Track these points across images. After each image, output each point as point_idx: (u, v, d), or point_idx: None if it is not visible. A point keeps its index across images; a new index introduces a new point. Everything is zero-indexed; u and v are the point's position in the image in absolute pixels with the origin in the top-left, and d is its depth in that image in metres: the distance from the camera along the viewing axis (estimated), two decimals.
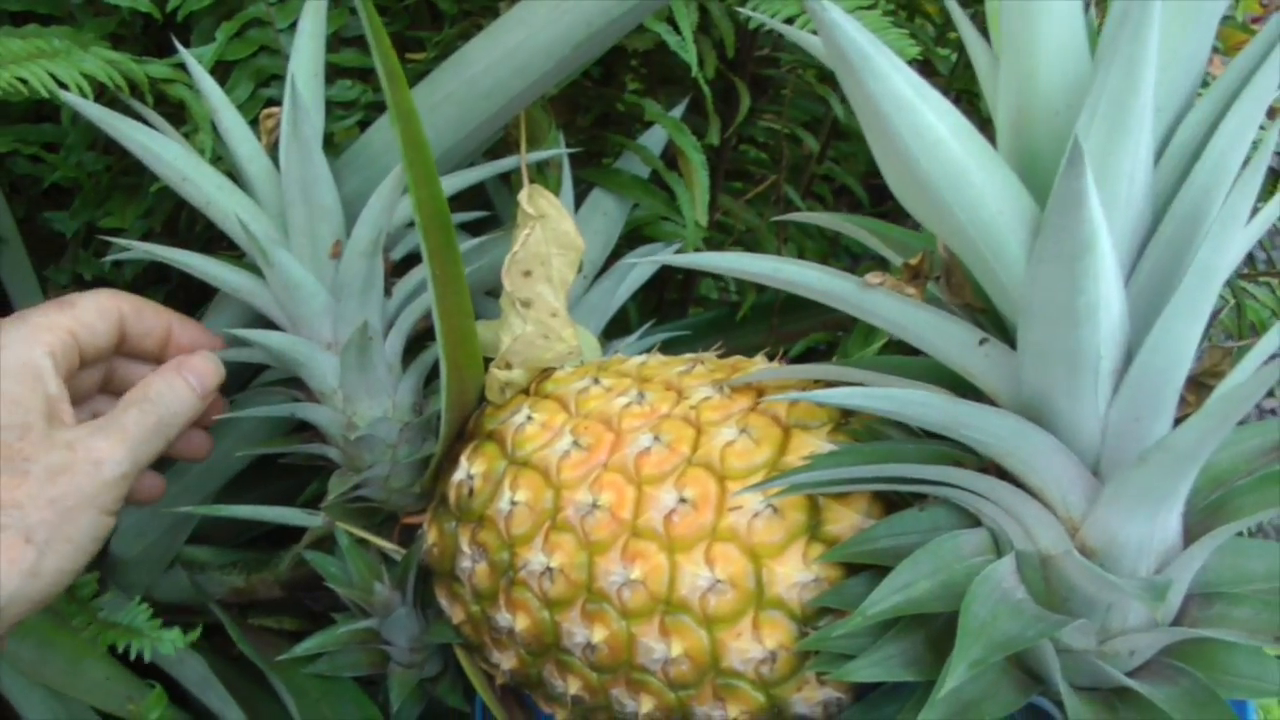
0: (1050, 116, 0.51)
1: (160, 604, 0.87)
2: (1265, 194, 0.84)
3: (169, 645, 0.70)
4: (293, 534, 0.86)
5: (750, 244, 1.05)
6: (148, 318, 0.71)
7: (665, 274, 1.09)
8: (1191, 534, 0.54)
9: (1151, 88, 0.47)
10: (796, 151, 1.03)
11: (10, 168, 0.89)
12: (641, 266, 0.85)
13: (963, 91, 0.99)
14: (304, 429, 0.78)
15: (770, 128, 1.03)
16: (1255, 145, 0.48)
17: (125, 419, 0.64)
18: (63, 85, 0.66)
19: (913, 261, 0.56)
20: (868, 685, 0.59)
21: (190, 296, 0.99)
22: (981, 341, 0.53)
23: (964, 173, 0.49)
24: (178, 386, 0.68)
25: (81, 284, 0.97)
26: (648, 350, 0.74)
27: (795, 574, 0.58)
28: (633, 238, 0.94)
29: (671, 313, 1.10)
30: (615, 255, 0.88)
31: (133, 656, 0.71)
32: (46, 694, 0.79)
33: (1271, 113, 0.52)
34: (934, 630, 0.56)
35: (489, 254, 0.76)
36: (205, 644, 0.83)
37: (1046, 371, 0.51)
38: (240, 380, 0.83)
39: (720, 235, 1.04)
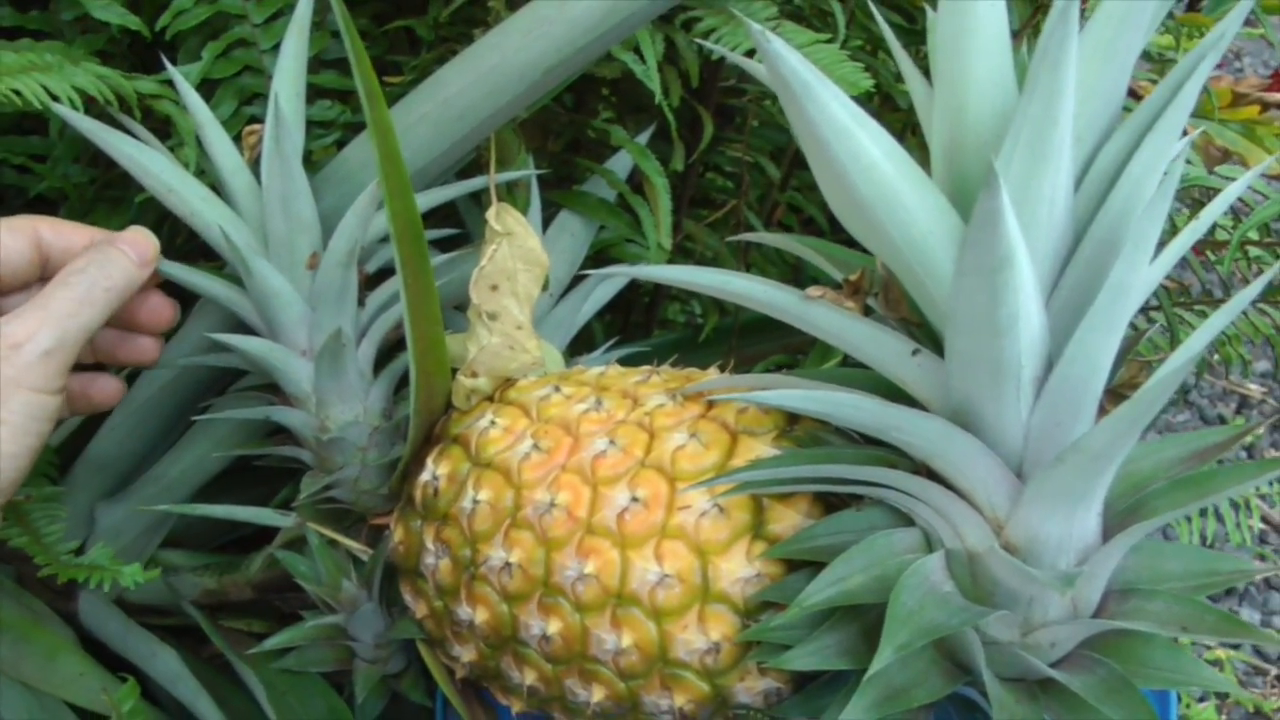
0: (979, 145, 0.55)
1: (133, 605, 0.90)
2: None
3: (129, 578, 0.73)
4: (264, 540, 0.90)
5: (712, 266, 1.09)
6: (68, 234, 0.70)
7: (631, 297, 1.13)
8: (1110, 533, 0.58)
9: (1070, 119, 0.51)
10: (760, 179, 1.07)
11: None
12: (606, 286, 0.89)
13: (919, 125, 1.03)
14: (278, 433, 0.81)
15: (735, 156, 1.07)
16: (1165, 176, 0.52)
17: (46, 297, 0.65)
18: (55, 98, 0.69)
19: (852, 278, 0.60)
20: (807, 676, 0.63)
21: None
22: (914, 352, 0.57)
23: (897, 195, 0.53)
24: (111, 254, 0.68)
25: None
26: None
27: (739, 570, 0.61)
28: (599, 259, 0.98)
29: (636, 334, 1.13)
30: (582, 275, 0.92)
31: (93, 585, 0.73)
32: (22, 690, 0.81)
33: (1185, 131, 0.56)
34: (868, 623, 0.59)
35: (458, 269, 0.80)
36: (177, 644, 0.86)
37: (972, 379, 0.54)
38: (218, 386, 0.87)
39: (684, 258, 1.07)
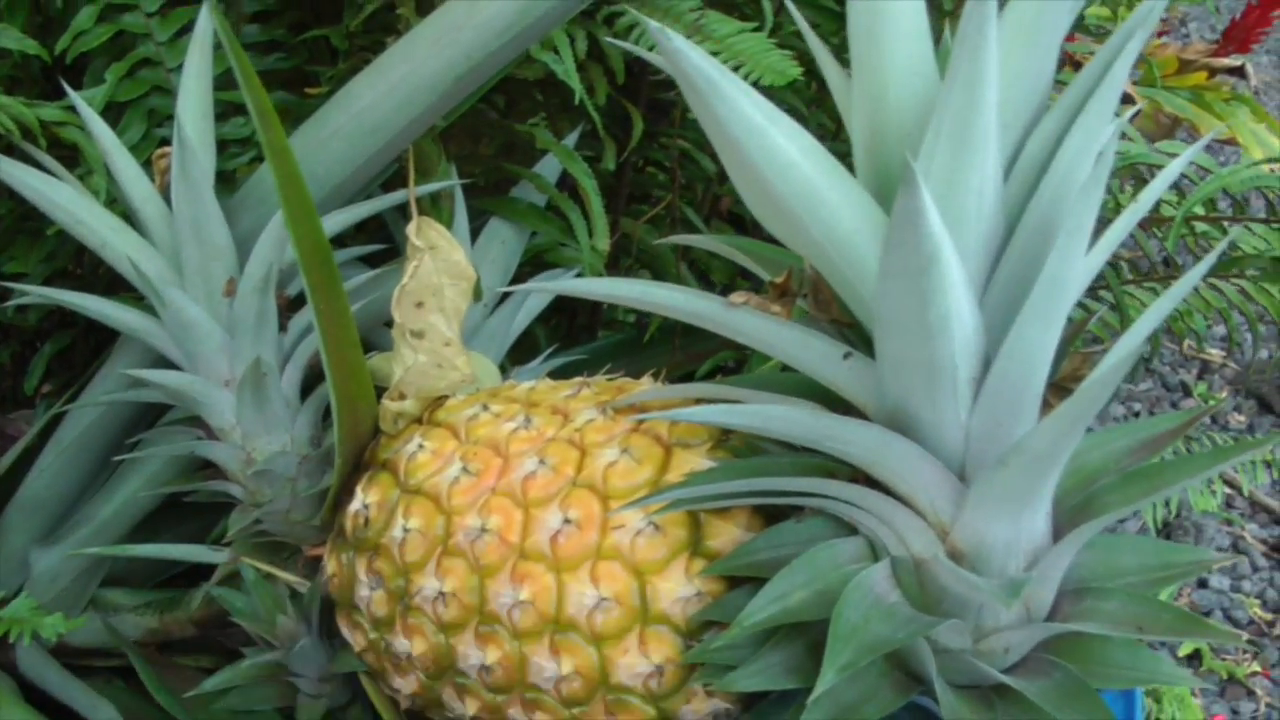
0: (900, 137, 0.53)
1: (74, 649, 0.87)
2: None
3: (50, 630, 0.71)
4: (207, 574, 0.87)
5: (651, 266, 1.07)
6: None
7: (575, 299, 1.10)
8: (1060, 532, 0.56)
9: (994, 106, 0.49)
10: (697, 173, 1.05)
11: None
12: (539, 294, 0.86)
13: None
14: (209, 466, 0.78)
15: (673, 151, 1.05)
16: (1099, 158, 0.50)
17: None
18: None
19: (778, 280, 0.58)
20: (756, 695, 0.60)
21: (99, 339, 0.99)
22: (846, 355, 0.55)
23: (817, 192, 0.51)
24: None
25: None
26: (550, 374, 0.75)
27: (678, 589, 0.59)
28: (536, 263, 0.96)
29: (581, 336, 1.11)
30: (518, 281, 0.90)
31: (13, 639, 0.71)
32: None
33: (1126, 99, 0.54)
34: (814, 638, 0.57)
35: (385, 286, 0.77)
36: (124, 686, 0.84)
37: (906, 382, 0.52)
38: (147, 420, 0.84)
39: (623, 258, 1.05)
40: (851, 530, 0.59)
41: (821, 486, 0.55)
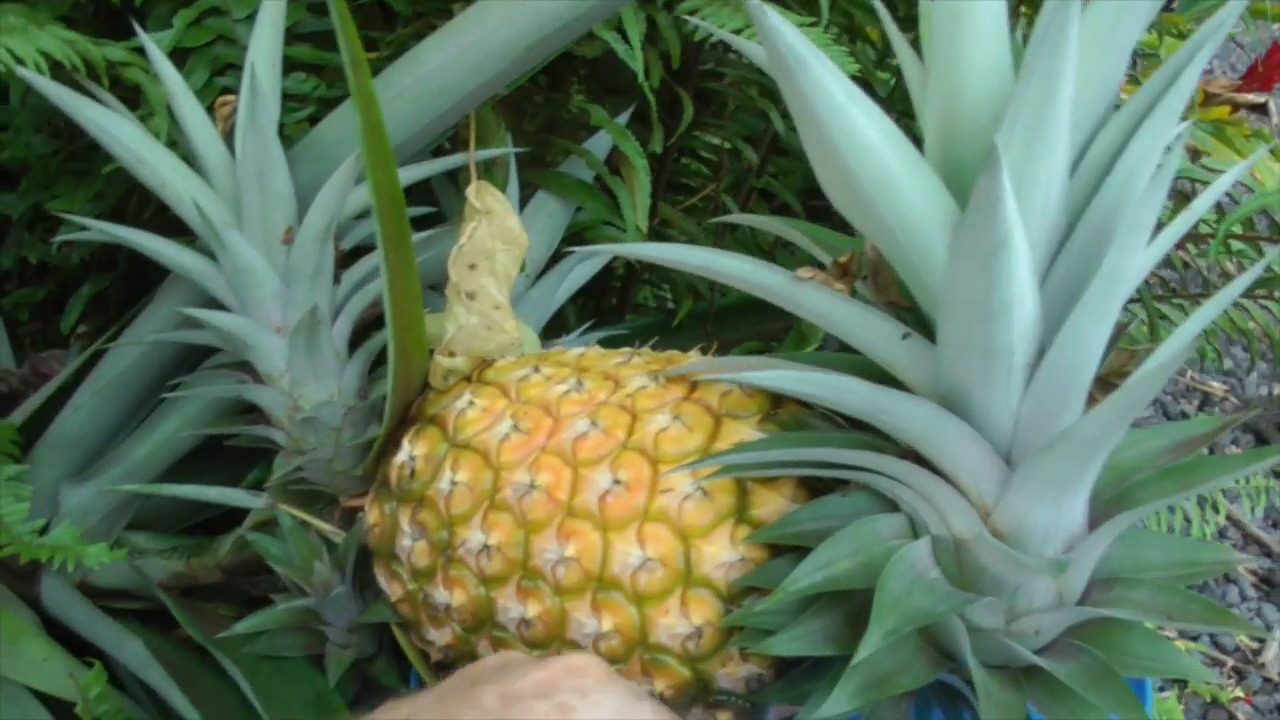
0: (974, 128, 0.54)
1: (98, 588, 0.88)
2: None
3: (94, 559, 0.71)
4: (232, 523, 0.88)
5: None
6: None
7: (605, 281, 1.12)
8: (1096, 522, 0.58)
9: (1068, 104, 0.50)
10: (736, 165, 1.06)
11: None
12: (583, 267, 0.88)
13: (900, 113, 1.03)
14: (249, 412, 0.79)
15: (710, 142, 1.07)
16: (1160, 166, 0.52)
17: None
18: (20, 61, 0.68)
19: (841, 260, 0.59)
20: (789, 662, 0.62)
21: (133, 284, 1.00)
22: (904, 336, 0.56)
23: (893, 177, 0.52)
24: None
25: (25, 267, 0.98)
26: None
27: (722, 554, 0.60)
28: (574, 240, 0.97)
29: (609, 319, 1.12)
30: (557, 257, 0.91)
31: (55, 567, 0.71)
32: None
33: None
34: (852, 609, 0.59)
35: (433, 249, 0.79)
36: (145, 628, 0.85)
37: (963, 364, 0.54)
38: (187, 364, 0.85)
39: (659, 242, 1.06)
40: (893, 507, 0.60)
41: (871, 460, 0.57)
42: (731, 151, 1.02)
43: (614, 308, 1.14)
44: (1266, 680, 1.41)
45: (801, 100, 0.51)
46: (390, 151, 0.63)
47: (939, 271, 0.54)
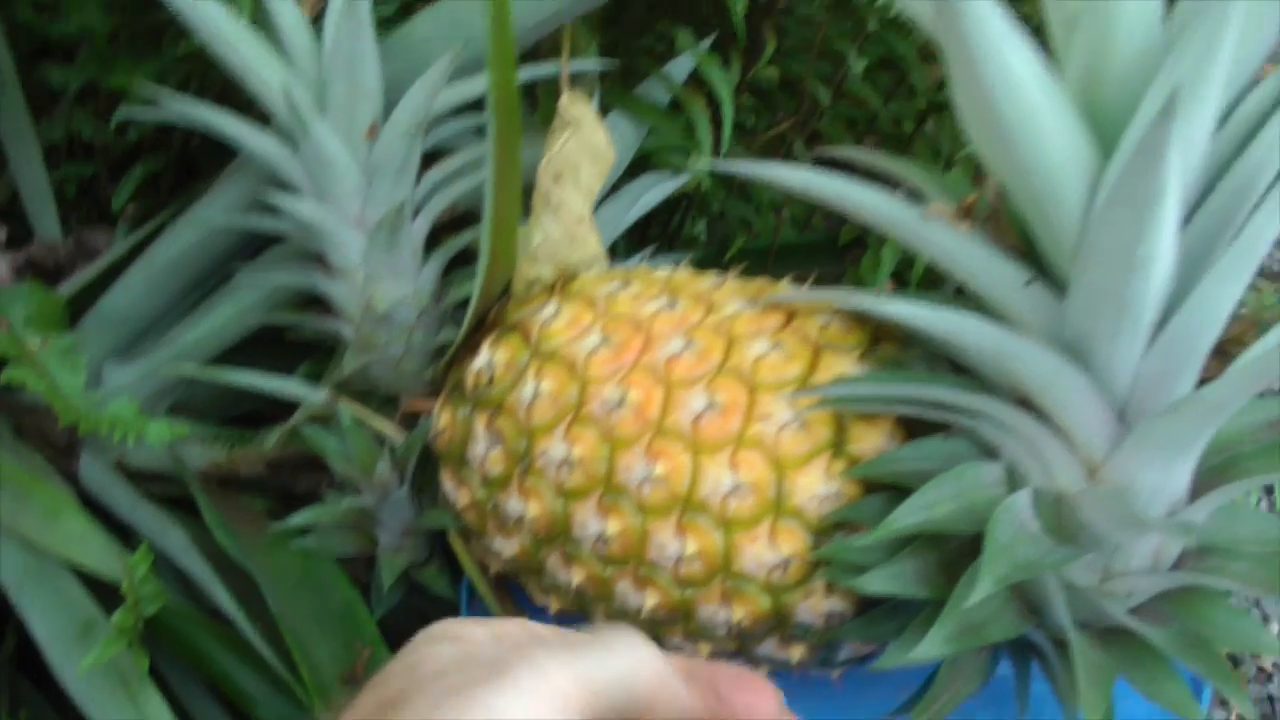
0: (1121, 77, 0.53)
1: (132, 470, 0.86)
2: None
3: (155, 436, 0.70)
4: (269, 420, 0.86)
5: (747, 190, 1.07)
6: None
7: (653, 213, 1.10)
8: (1198, 491, 0.57)
9: (1227, 63, 0.49)
10: (796, 105, 1.04)
11: (13, 16, 0.87)
12: (657, 190, 0.86)
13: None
14: (307, 305, 0.78)
15: (770, 79, 1.05)
16: None
17: None
18: None
19: (967, 200, 0.58)
20: (870, 601, 0.61)
21: (185, 169, 0.98)
22: (1027, 282, 0.55)
23: (1038, 116, 0.51)
24: None
25: (77, 142, 0.96)
26: None
27: (816, 486, 0.59)
28: (638, 166, 0.95)
29: (656, 254, 1.11)
30: (617, 184, 0.89)
31: (116, 440, 0.69)
32: (19, 547, 0.78)
33: None
34: (946, 553, 0.58)
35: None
36: (183, 517, 0.83)
37: (1092, 315, 0.53)
38: (245, 252, 0.83)
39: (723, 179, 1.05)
40: (993, 454, 0.59)
41: (982, 405, 0.56)
42: (794, 92, 1.00)
43: (658, 238, 1.12)
44: (1260, 670, 1.41)
45: (957, 32, 0.50)
46: (513, 49, 0.61)
47: (1071, 218, 0.52)
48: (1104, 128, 0.53)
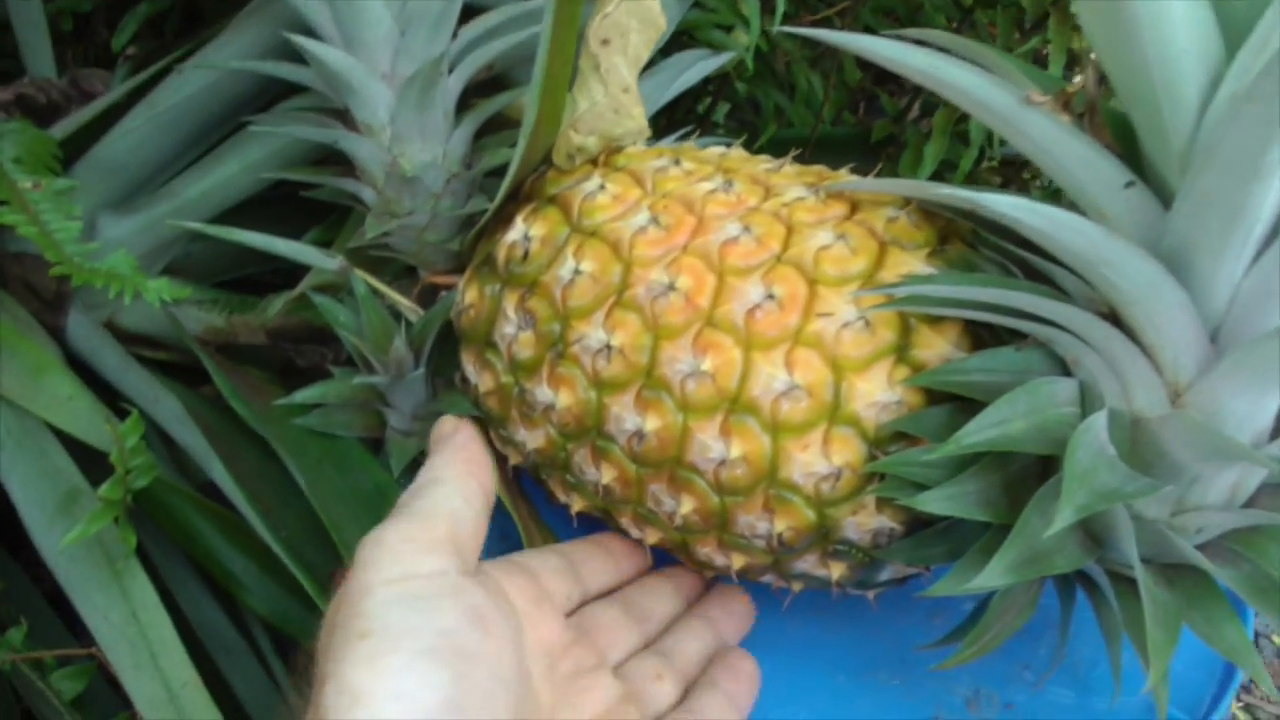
0: None
1: (125, 332, 0.81)
2: None
3: (154, 293, 0.64)
4: (273, 286, 0.81)
5: (782, 80, 1.01)
6: None
7: (678, 98, 1.04)
8: None
9: None
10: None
11: None
12: (701, 66, 0.80)
13: None
14: (321, 163, 0.72)
15: None
16: None
17: None
18: None
19: (1070, 88, 0.53)
20: (920, 521, 0.57)
21: (193, 13, 0.92)
22: (1128, 184, 0.50)
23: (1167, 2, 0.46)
24: None
25: None
26: None
27: (877, 392, 0.55)
28: (676, 42, 0.89)
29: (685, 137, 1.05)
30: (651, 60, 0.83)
31: (112, 296, 0.64)
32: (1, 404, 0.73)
33: None
34: (1010, 474, 0.54)
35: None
36: (176, 383, 0.78)
37: (1200, 224, 0.48)
38: (257, 104, 0.77)
39: (762, 68, 0.99)
40: (1065, 371, 0.55)
41: (1065, 315, 0.51)
42: None
43: (685, 123, 1.06)
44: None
45: None
46: None
47: (1185, 115, 0.48)
48: (1231, 20, 0.48)
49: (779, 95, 1.01)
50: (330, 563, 0.69)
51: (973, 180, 0.92)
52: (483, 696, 0.48)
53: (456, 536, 0.54)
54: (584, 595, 0.64)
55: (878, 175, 0.60)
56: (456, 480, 0.58)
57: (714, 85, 1.04)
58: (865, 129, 1.02)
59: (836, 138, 1.02)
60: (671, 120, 1.05)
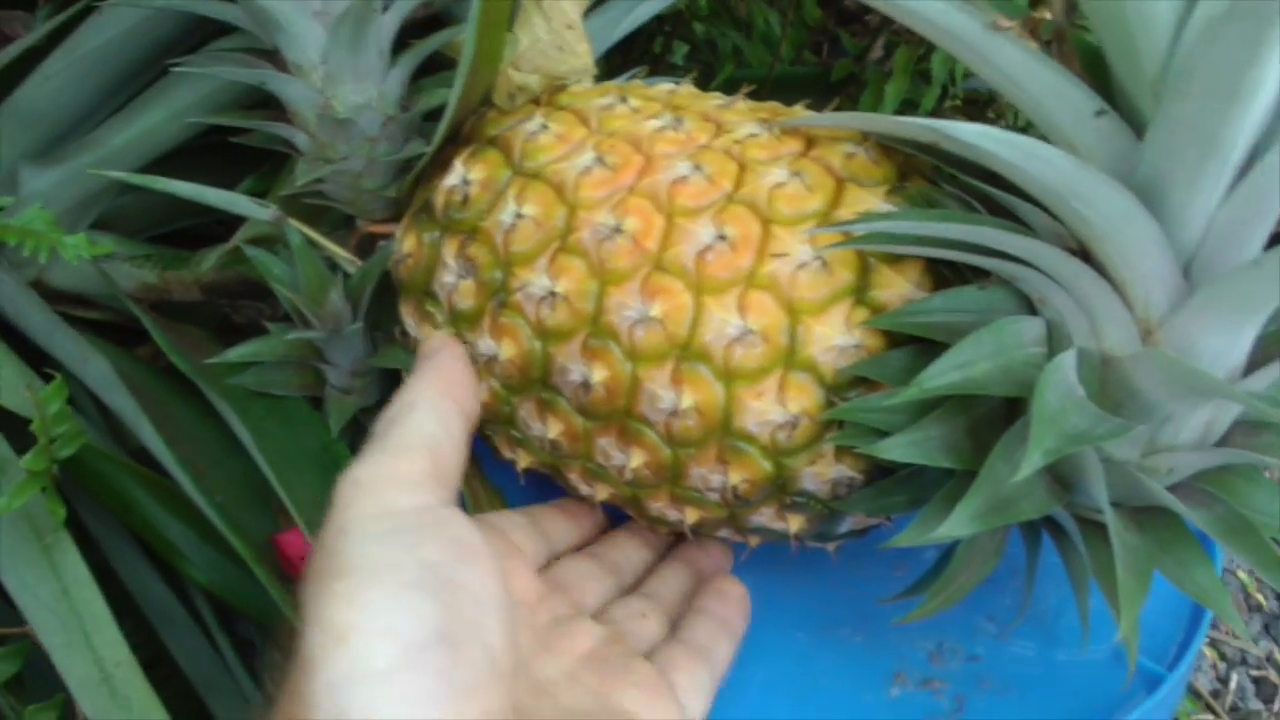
0: None
1: (52, 289, 0.78)
2: None
3: (71, 251, 0.61)
4: (208, 238, 0.78)
5: (745, 17, 0.98)
6: None
7: (631, 38, 1.01)
8: (1256, 358, 0.50)
9: None
10: None
11: None
12: (649, 5, 0.77)
13: None
14: (253, 108, 0.69)
15: None
16: None
17: None
18: None
19: (1035, 14, 0.50)
20: (881, 469, 0.55)
21: None
22: (1098, 113, 0.48)
23: None
24: None
25: None
26: None
27: (835, 336, 0.52)
28: None
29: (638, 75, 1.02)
30: None
31: (27, 253, 0.61)
32: None
33: None
34: (975, 418, 0.52)
35: None
36: (107, 343, 0.75)
37: (1174, 152, 0.45)
38: (184, 45, 0.73)
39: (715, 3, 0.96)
40: (1031, 309, 0.52)
41: (1032, 251, 0.49)
42: None
43: (639, 63, 1.03)
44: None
45: None
46: None
47: (1158, 38, 0.45)
48: None
49: (736, 35, 0.97)
50: (272, 526, 0.66)
51: (936, 118, 0.89)
52: (472, 626, 0.45)
53: (437, 466, 0.51)
54: (551, 553, 0.61)
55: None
56: (433, 404, 0.54)
57: (669, 25, 1.01)
58: (826, 69, 1.00)
59: (796, 78, 0.99)
60: (626, 61, 1.02)
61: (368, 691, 0.41)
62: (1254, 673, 1.37)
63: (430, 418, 0.53)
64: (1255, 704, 1.35)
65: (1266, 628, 1.40)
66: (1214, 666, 1.38)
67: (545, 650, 0.54)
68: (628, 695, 0.53)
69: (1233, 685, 1.36)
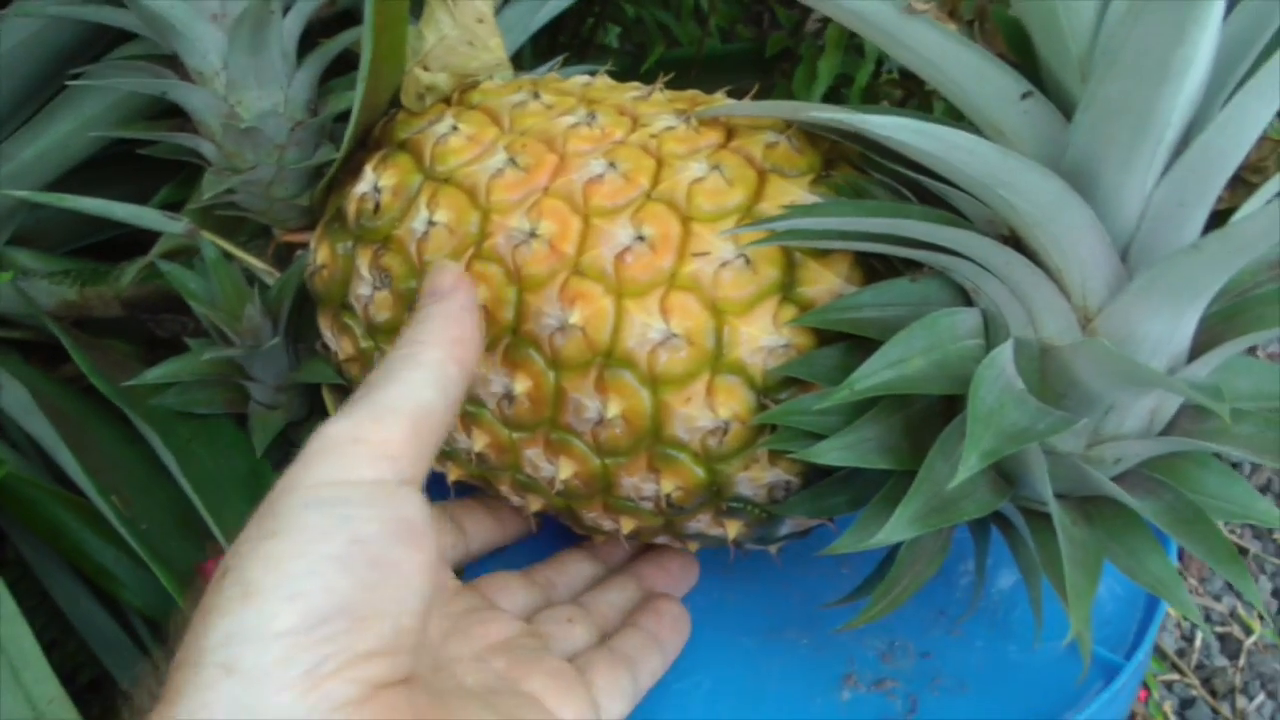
0: None
1: None
2: None
3: None
4: (131, 250, 0.75)
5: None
6: None
7: (561, 19, 0.98)
8: (1199, 344, 0.48)
9: None
10: None
11: None
12: None
13: None
14: (162, 117, 0.66)
15: None
16: None
17: None
18: None
19: None
20: (818, 470, 0.53)
21: None
22: (1024, 95, 0.46)
23: None
24: None
25: None
26: None
27: (763, 336, 0.50)
28: None
29: (566, 64, 1.00)
30: None
31: None
32: None
33: None
34: (912, 415, 0.50)
35: None
36: (24, 363, 0.72)
37: (1105, 134, 0.43)
38: (89, 54, 0.71)
39: None
40: (966, 300, 0.50)
41: (963, 241, 0.47)
42: None
43: (568, 46, 1.00)
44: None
45: None
46: None
47: (1085, 18, 0.43)
48: None
49: (662, 12, 0.95)
50: (199, 553, 0.64)
51: (871, 94, 0.87)
52: (387, 605, 0.43)
53: (418, 435, 0.47)
54: (467, 553, 0.60)
55: (770, 95, 0.55)
56: (437, 366, 0.48)
57: (599, 5, 0.98)
58: (759, 45, 0.97)
59: (729, 55, 0.97)
60: (554, 45, 0.99)
61: (261, 648, 0.40)
62: (1219, 629, 1.37)
63: (429, 382, 0.48)
64: (1221, 660, 1.35)
65: (1229, 584, 1.39)
66: (1179, 625, 1.37)
67: (457, 634, 0.53)
68: (537, 682, 0.51)
69: (1197, 643, 1.35)
